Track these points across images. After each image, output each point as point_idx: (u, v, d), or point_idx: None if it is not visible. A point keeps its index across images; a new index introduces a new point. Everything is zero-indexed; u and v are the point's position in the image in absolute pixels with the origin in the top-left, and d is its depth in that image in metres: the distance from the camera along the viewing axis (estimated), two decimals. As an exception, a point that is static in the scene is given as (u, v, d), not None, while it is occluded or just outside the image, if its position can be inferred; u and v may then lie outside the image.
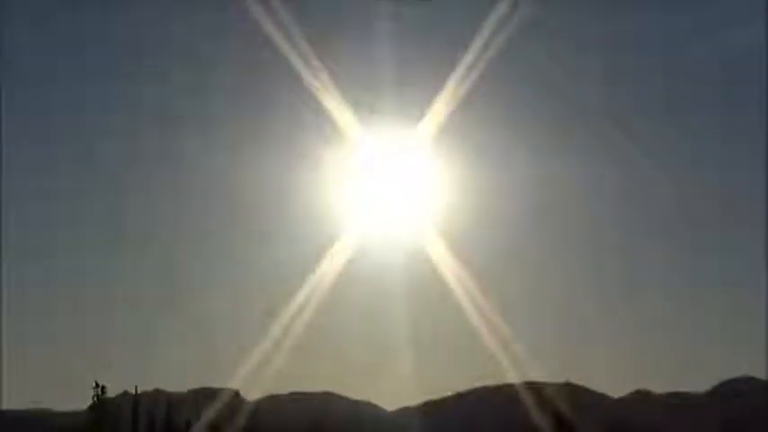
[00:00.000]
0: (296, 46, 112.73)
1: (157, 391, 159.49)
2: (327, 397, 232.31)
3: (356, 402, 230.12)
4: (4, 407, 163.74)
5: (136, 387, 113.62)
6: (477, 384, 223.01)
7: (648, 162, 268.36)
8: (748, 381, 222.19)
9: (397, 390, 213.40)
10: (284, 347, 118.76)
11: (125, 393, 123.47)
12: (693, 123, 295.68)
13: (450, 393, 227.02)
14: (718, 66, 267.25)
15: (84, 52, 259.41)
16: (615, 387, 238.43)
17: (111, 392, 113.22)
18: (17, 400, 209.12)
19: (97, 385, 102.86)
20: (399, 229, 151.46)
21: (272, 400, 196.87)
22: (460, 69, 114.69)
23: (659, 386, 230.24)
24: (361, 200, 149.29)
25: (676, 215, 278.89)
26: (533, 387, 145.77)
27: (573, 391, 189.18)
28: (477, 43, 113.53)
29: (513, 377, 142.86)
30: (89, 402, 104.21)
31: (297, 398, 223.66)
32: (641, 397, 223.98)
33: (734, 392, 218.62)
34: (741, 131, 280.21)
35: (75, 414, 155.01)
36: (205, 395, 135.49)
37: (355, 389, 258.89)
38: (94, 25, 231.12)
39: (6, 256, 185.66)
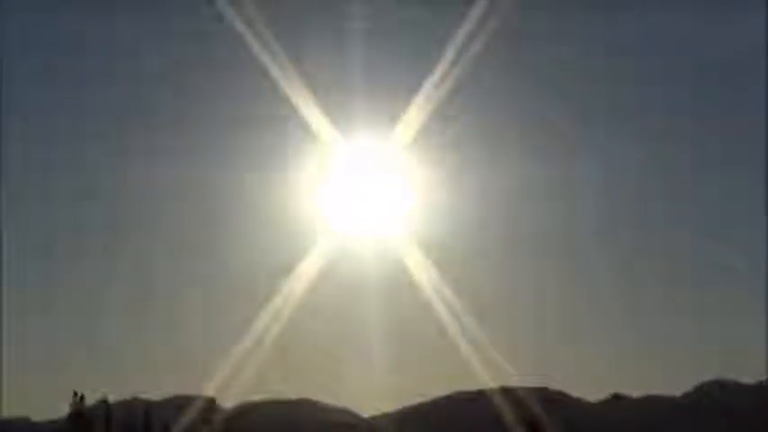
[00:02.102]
0: (270, 50, 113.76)
1: (135, 399, 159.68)
2: (303, 403, 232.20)
3: (332, 409, 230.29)
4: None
5: (106, 396, 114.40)
6: (454, 390, 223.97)
7: (628, 162, 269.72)
8: (723, 384, 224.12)
9: (373, 396, 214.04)
10: (260, 354, 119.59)
11: (103, 402, 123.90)
12: (690, 124, 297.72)
13: (426, 399, 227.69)
14: (717, 66, 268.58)
15: (84, 52, 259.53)
16: (591, 391, 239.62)
17: (92, 401, 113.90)
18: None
19: (76, 394, 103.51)
20: (375, 234, 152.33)
21: (248, 406, 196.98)
22: (436, 74, 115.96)
23: (635, 390, 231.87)
24: (337, 204, 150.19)
25: (659, 219, 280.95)
26: (509, 392, 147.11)
27: (549, 396, 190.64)
28: (454, 47, 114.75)
29: (489, 382, 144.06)
30: (68, 411, 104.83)
31: (273, 404, 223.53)
32: (617, 401, 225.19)
33: (709, 396, 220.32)
34: (741, 131, 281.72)
35: (54, 423, 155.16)
36: (181, 402, 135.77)
37: (331, 395, 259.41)
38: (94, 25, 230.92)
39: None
